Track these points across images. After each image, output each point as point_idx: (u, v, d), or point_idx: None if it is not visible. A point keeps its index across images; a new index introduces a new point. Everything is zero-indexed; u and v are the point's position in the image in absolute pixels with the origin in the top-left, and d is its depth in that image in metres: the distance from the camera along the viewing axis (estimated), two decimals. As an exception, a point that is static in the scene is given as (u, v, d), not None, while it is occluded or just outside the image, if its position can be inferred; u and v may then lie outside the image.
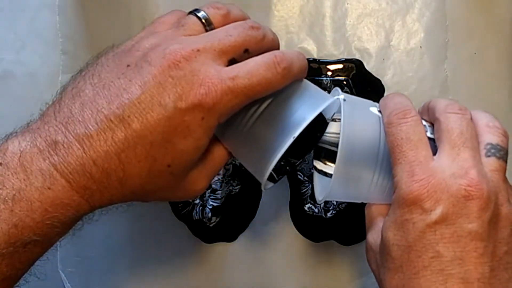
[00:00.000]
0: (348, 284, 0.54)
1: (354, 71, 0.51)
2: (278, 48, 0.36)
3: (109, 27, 0.54)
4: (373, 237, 0.36)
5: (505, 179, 0.33)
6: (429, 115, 0.36)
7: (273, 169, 0.35)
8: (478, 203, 0.31)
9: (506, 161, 0.34)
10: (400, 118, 0.34)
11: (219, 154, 0.36)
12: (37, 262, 0.32)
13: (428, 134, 0.35)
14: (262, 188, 0.37)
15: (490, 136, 0.34)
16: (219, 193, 0.49)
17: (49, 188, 0.29)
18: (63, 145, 0.30)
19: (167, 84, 0.30)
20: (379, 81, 0.51)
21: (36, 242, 0.30)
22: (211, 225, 0.50)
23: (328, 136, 0.36)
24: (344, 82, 0.50)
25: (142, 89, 0.30)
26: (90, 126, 0.30)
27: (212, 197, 0.49)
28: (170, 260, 0.54)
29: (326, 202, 0.51)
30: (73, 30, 0.55)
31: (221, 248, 0.54)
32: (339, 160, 0.34)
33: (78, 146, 0.30)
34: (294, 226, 0.53)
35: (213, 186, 0.50)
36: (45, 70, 0.55)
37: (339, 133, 0.35)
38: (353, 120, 0.35)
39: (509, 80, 0.53)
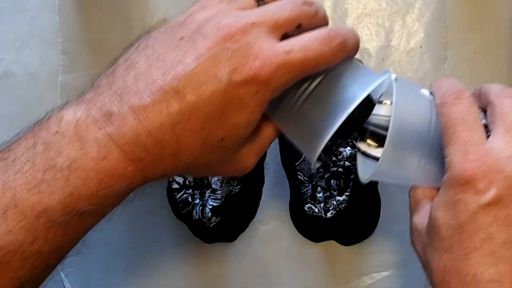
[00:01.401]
0: (348, 284, 0.54)
1: (354, 71, 0.51)
2: (328, 25, 0.36)
3: (109, 27, 0.54)
4: (419, 218, 0.35)
5: None
6: (481, 100, 0.36)
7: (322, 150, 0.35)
8: None
9: None
10: (454, 99, 0.34)
11: (267, 132, 0.36)
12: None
13: (483, 121, 0.34)
14: (312, 167, 0.36)
15: None
16: (219, 193, 0.49)
17: (104, 158, 0.29)
18: (118, 115, 0.29)
19: (222, 57, 0.30)
20: (379, 81, 0.51)
21: (90, 212, 0.30)
22: (211, 225, 0.50)
23: (376, 118, 0.35)
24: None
25: (197, 61, 0.30)
26: (145, 97, 0.30)
27: (212, 197, 0.49)
28: (170, 260, 0.54)
29: (326, 202, 0.51)
30: (73, 30, 0.55)
31: (221, 248, 0.54)
32: (388, 143, 0.34)
33: (133, 116, 0.29)
34: (294, 226, 0.53)
35: (213, 186, 0.50)
36: (45, 70, 0.55)
37: (387, 116, 0.34)
38: (404, 102, 0.34)
39: (509, 80, 0.53)
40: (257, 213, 0.53)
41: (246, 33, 0.31)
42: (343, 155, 0.51)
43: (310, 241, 0.53)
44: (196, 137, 0.30)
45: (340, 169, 0.51)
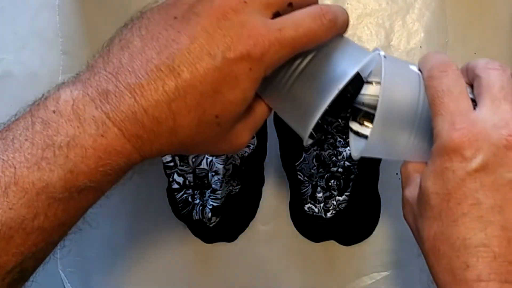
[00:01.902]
0: (348, 284, 0.54)
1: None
2: (318, 3, 0.36)
3: (109, 27, 0.54)
4: (410, 191, 0.36)
5: None
6: (469, 75, 0.36)
7: (313, 127, 0.35)
8: None
9: None
10: (441, 72, 0.34)
11: (260, 109, 0.36)
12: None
13: (471, 95, 0.34)
14: (304, 144, 0.37)
15: None
16: (219, 193, 0.49)
17: (102, 136, 0.29)
18: (114, 94, 0.30)
19: (216, 35, 0.31)
20: (379, 81, 0.52)
21: (90, 189, 0.30)
22: (211, 225, 0.50)
23: (366, 97, 0.36)
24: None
25: (191, 40, 0.30)
26: (141, 76, 0.30)
27: (212, 197, 0.49)
28: (170, 260, 0.54)
29: (326, 203, 0.51)
30: (73, 30, 0.55)
31: (221, 248, 0.54)
32: (377, 122, 0.34)
33: (129, 95, 0.30)
34: (294, 226, 0.53)
35: (213, 186, 0.50)
36: (45, 70, 0.55)
37: (376, 96, 0.35)
38: (393, 79, 0.35)
39: (509, 80, 0.53)
40: (257, 213, 0.53)
41: (238, 11, 0.31)
42: (343, 155, 0.51)
43: (310, 241, 0.53)
44: (192, 114, 0.31)
45: (340, 169, 0.51)
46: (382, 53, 0.36)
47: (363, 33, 0.54)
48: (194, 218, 0.50)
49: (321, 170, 0.51)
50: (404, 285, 0.53)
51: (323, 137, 0.51)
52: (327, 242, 0.53)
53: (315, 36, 0.32)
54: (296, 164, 0.51)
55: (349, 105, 0.37)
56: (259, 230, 0.54)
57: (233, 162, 0.51)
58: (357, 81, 0.36)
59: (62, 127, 0.29)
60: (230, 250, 0.54)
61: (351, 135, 0.38)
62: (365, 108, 0.36)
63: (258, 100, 0.36)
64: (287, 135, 0.52)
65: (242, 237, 0.54)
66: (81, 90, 0.30)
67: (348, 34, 0.54)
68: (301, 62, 0.34)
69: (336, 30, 0.34)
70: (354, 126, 0.37)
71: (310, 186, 0.51)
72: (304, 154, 0.51)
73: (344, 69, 0.34)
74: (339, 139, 0.51)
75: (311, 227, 0.52)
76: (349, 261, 0.54)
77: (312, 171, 0.51)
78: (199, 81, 0.30)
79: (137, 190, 0.54)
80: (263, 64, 0.31)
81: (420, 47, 0.54)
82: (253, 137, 0.52)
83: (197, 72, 0.30)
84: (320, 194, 0.51)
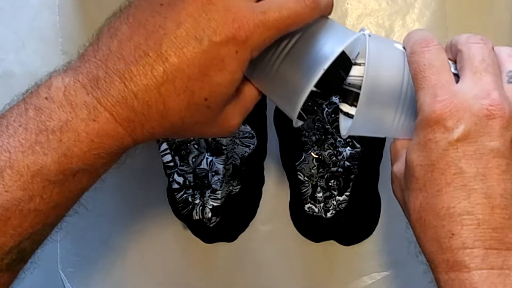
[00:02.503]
0: (348, 284, 0.54)
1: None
2: None
3: (109, 27, 0.54)
4: (398, 166, 0.36)
5: None
6: (452, 51, 0.37)
7: (302, 109, 0.36)
8: (500, 122, 0.31)
9: None
10: (423, 47, 0.35)
11: (250, 93, 0.37)
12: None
13: (452, 70, 0.35)
14: (294, 125, 0.38)
15: (511, 64, 0.35)
16: (219, 193, 0.49)
17: (94, 120, 0.30)
18: (104, 80, 0.31)
19: (201, 19, 0.31)
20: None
21: (84, 172, 0.31)
22: (211, 225, 0.50)
23: (352, 79, 0.36)
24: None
25: (177, 25, 0.31)
26: (129, 62, 0.31)
27: (212, 197, 0.49)
28: (170, 260, 0.54)
29: (326, 203, 0.51)
30: (73, 30, 0.55)
31: (221, 248, 0.54)
32: (361, 101, 0.35)
33: (119, 80, 0.31)
34: (294, 226, 0.53)
35: (213, 186, 0.50)
36: (45, 70, 0.55)
37: (362, 76, 0.35)
38: (377, 59, 0.35)
39: (509, 80, 0.53)
40: (257, 213, 0.53)
41: None
42: (343, 155, 0.51)
43: (310, 241, 0.53)
44: (181, 97, 0.32)
45: (340, 169, 0.51)
46: (367, 32, 0.36)
47: (363, 33, 0.54)
48: (194, 218, 0.50)
49: (321, 170, 0.51)
50: (404, 285, 0.53)
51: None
52: (327, 242, 0.53)
53: (299, 17, 0.33)
54: (296, 164, 0.51)
55: (338, 86, 0.37)
56: (259, 230, 0.54)
57: (233, 162, 0.51)
58: (344, 62, 0.36)
59: (54, 113, 0.30)
60: (230, 250, 0.54)
61: (341, 116, 0.38)
62: (353, 89, 0.36)
63: (247, 84, 0.37)
64: (287, 135, 0.52)
65: (242, 237, 0.54)
66: (72, 77, 0.31)
67: (348, 34, 0.54)
68: (287, 44, 0.35)
69: (319, 11, 0.34)
70: (344, 107, 0.38)
71: (310, 186, 0.51)
72: (304, 154, 0.51)
73: (330, 48, 0.34)
74: (339, 139, 0.51)
75: (311, 227, 0.52)
76: (349, 261, 0.54)
77: (312, 171, 0.51)
78: (186, 65, 0.31)
79: (137, 190, 0.54)
80: (249, 46, 0.32)
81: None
82: (253, 137, 0.52)
83: (184, 56, 0.31)
84: (320, 194, 0.51)
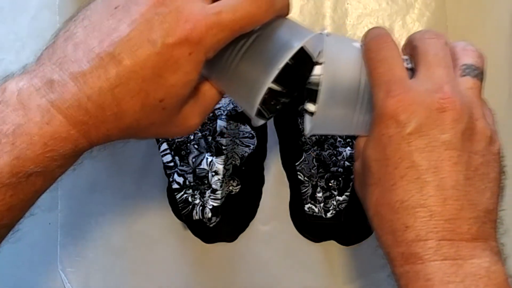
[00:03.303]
0: (348, 284, 0.54)
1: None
2: None
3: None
4: (359, 163, 0.37)
5: (480, 97, 0.35)
6: (409, 48, 0.37)
7: (265, 107, 0.36)
8: (452, 114, 0.32)
9: (481, 80, 0.35)
10: (378, 44, 0.36)
11: (209, 93, 0.37)
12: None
13: (409, 65, 0.36)
14: (253, 124, 0.38)
15: (465, 57, 0.35)
16: (219, 193, 0.49)
17: (47, 124, 0.30)
18: (58, 83, 0.31)
19: (154, 21, 0.31)
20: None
21: (38, 174, 0.31)
22: (211, 225, 0.50)
23: (314, 78, 0.37)
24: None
25: (130, 27, 0.31)
26: (83, 65, 0.31)
27: (212, 197, 0.49)
28: (170, 260, 0.54)
29: (326, 203, 0.51)
30: (73, 30, 0.55)
31: (221, 248, 0.54)
32: (320, 99, 0.35)
33: (73, 83, 0.31)
34: (294, 226, 0.53)
35: (213, 186, 0.50)
36: (45, 70, 0.55)
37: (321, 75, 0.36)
38: (335, 57, 0.36)
39: (509, 80, 0.53)
40: (257, 213, 0.53)
41: None
42: (343, 155, 0.51)
43: (310, 241, 0.53)
44: (136, 99, 0.32)
45: (340, 169, 0.51)
46: (325, 31, 0.37)
47: (363, 33, 0.54)
48: (194, 218, 0.50)
49: (321, 170, 0.51)
50: (404, 285, 0.53)
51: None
52: (327, 242, 0.53)
53: (253, 18, 0.33)
54: (296, 164, 0.51)
55: (301, 85, 0.37)
56: (259, 230, 0.54)
57: (233, 162, 0.51)
58: (306, 61, 0.36)
59: (8, 116, 0.30)
60: (230, 250, 0.54)
61: (306, 116, 0.39)
62: (315, 88, 0.37)
63: (207, 83, 0.37)
64: (287, 135, 0.52)
65: (242, 237, 0.54)
66: (27, 81, 0.31)
67: (348, 34, 0.54)
68: (245, 43, 0.35)
69: (274, 12, 0.34)
70: (308, 106, 0.38)
71: (310, 186, 0.51)
72: (304, 154, 0.51)
73: (286, 48, 0.34)
74: (339, 139, 0.51)
75: (311, 227, 0.52)
76: (349, 261, 0.54)
77: (312, 171, 0.51)
78: (140, 67, 0.31)
79: (137, 190, 0.54)
80: (202, 47, 0.32)
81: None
82: (253, 137, 0.52)
83: (137, 58, 0.31)
84: (320, 194, 0.51)
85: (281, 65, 0.34)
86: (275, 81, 0.34)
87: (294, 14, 0.54)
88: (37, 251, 0.54)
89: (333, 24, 0.54)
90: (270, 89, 0.35)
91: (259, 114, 0.37)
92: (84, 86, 0.31)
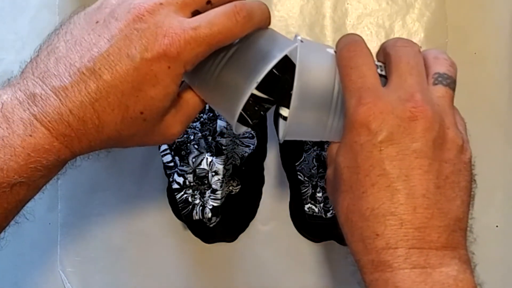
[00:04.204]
0: (348, 284, 0.54)
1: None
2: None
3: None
4: (331, 170, 0.37)
5: (451, 106, 0.35)
6: (382, 55, 0.38)
7: (248, 113, 0.37)
8: (422, 123, 0.32)
9: (453, 89, 0.35)
10: (350, 51, 0.36)
11: (192, 101, 0.38)
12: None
13: (383, 73, 0.36)
14: (234, 131, 0.38)
15: (437, 66, 0.36)
16: (219, 193, 0.49)
17: (30, 136, 0.31)
18: (41, 97, 0.32)
19: (133, 37, 0.32)
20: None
21: (21, 184, 0.32)
22: (211, 225, 0.50)
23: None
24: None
25: (110, 43, 0.32)
26: (65, 79, 0.32)
27: (212, 197, 0.49)
28: (170, 260, 0.54)
29: (326, 203, 0.51)
30: (73, 30, 0.55)
31: (221, 248, 0.54)
32: (292, 105, 0.35)
33: (55, 97, 0.32)
34: (294, 226, 0.53)
35: (213, 186, 0.50)
36: (45, 70, 0.55)
37: None
38: (307, 64, 0.36)
39: (509, 80, 0.53)
40: (257, 213, 0.53)
41: (154, 13, 0.33)
42: (343, 155, 0.51)
43: (310, 241, 0.53)
44: (116, 112, 0.33)
45: (340, 169, 0.51)
46: (299, 37, 0.37)
47: (363, 33, 0.54)
48: (194, 218, 0.50)
49: (321, 170, 0.51)
50: (404, 285, 0.53)
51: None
52: (327, 242, 0.53)
53: (230, 33, 0.34)
54: (296, 164, 0.51)
55: (284, 93, 0.38)
56: (259, 230, 0.54)
57: (233, 162, 0.51)
58: (290, 69, 0.36)
59: None
60: (230, 250, 0.54)
61: (280, 121, 0.39)
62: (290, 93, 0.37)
63: (190, 92, 0.38)
64: (287, 135, 0.52)
65: (242, 237, 0.54)
66: (10, 94, 0.32)
67: (348, 34, 0.54)
68: (225, 54, 0.35)
69: (252, 26, 0.35)
70: (282, 111, 0.39)
71: (310, 186, 0.51)
72: (304, 154, 0.51)
73: (266, 59, 0.35)
74: (339, 139, 0.51)
75: (311, 227, 0.52)
76: (349, 261, 0.54)
77: (312, 171, 0.51)
78: (119, 81, 0.32)
79: (137, 190, 0.54)
80: (180, 61, 0.33)
81: (420, 47, 0.54)
82: (253, 137, 0.52)
83: (117, 73, 0.32)
84: (320, 194, 0.51)
85: (258, 80, 0.34)
86: (259, 88, 0.34)
87: (294, 14, 0.54)
88: (37, 251, 0.54)
89: (333, 24, 0.54)
90: (253, 95, 0.36)
91: (242, 120, 0.38)
92: (65, 100, 0.32)
